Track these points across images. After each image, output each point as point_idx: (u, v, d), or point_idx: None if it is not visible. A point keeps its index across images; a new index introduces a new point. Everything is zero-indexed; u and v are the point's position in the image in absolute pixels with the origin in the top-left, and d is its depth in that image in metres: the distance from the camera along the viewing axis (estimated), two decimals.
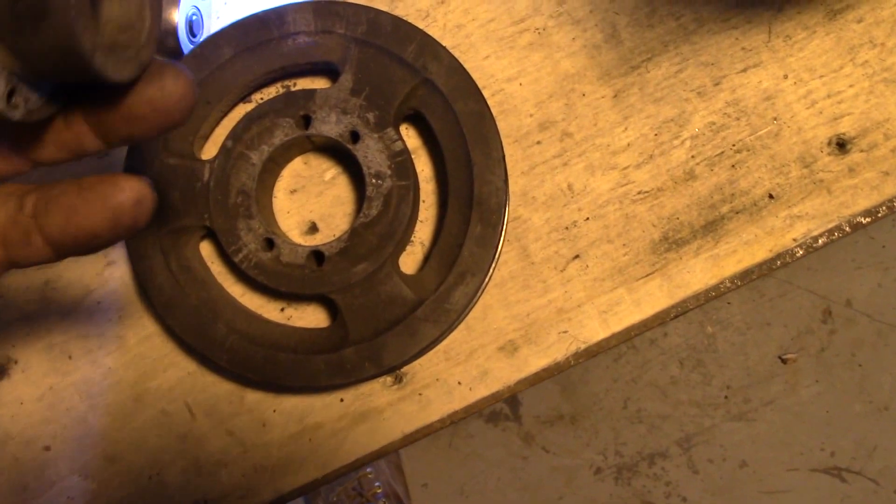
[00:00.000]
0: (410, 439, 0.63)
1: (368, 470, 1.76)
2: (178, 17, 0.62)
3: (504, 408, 1.90)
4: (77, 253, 0.38)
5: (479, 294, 0.59)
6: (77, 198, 0.36)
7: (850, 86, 0.62)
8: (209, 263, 0.64)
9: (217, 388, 0.63)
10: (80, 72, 0.34)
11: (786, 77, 0.63)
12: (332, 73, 0.64)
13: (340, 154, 0.64)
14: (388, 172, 0.60)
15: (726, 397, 1.87)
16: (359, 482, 1.76)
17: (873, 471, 1.86)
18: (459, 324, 0.61)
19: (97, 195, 0.36)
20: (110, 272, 0.64)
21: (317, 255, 0.60)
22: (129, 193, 0.36)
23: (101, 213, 0.36)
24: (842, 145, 0.62)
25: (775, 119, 0.63)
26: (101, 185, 0.36)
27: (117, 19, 0.37)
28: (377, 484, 1.75)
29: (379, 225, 0.59)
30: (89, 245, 0.37)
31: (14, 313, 0.64)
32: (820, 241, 0.62)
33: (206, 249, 0.64)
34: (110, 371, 0.63)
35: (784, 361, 1.87)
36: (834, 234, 0.62)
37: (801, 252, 0.62)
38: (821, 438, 1.86)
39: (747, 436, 1.87)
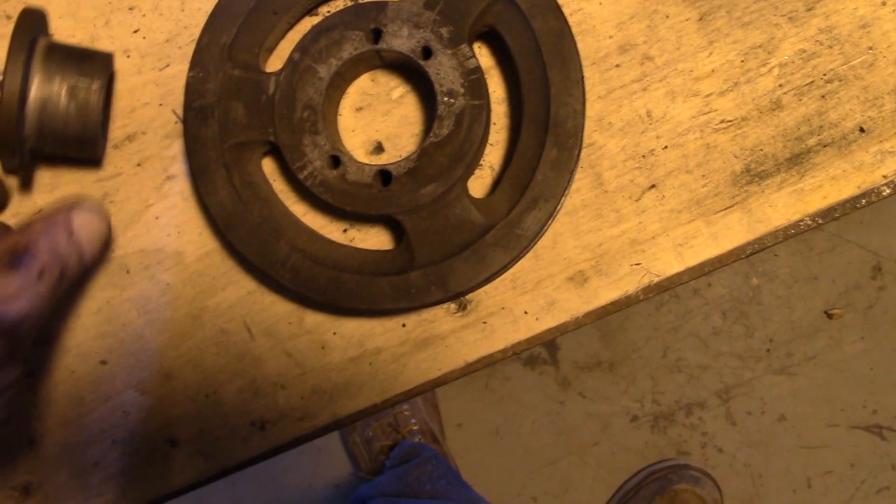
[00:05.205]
0: (472, 368, 0.61)
1: (405, 407, 1.76)
2: None
3: (542, 352, 1.89)
4: None
5: (551, 220, 0.57)
6: None
7: None
8: (271, 181, 0.62)
9: (277, 308, 0.61)
10: None
11: (884, 4, 0.59)
12: None
13: (410, 71, 0.62)
14: (461, 91, 0.57)
15: (768, 350, 1.85)
16: (395, 418, 1.76)
17: None
18: (529, 251, 0.59)
19: None
20: (169, 186, 0.63)
21: (384, 174, 0.58)
22: None
23: None
24: None
25: (870, 48, 0.59)
26: None
27: None
28: (413, 421, 1.76)
29: (449, 145, 0.57)
30: None
31: None
32: None
33: (267, 167, 0.62)
34: (168, 287, 0.62)
35: (830, 317, 1.83)
36: None
37: (887, 191, 0.59)
38: (863, 396, 1.83)
39: (788, 390, 1.84)
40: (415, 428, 1.74)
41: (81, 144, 0.58)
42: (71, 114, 0.56)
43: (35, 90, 0.55)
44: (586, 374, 1.88)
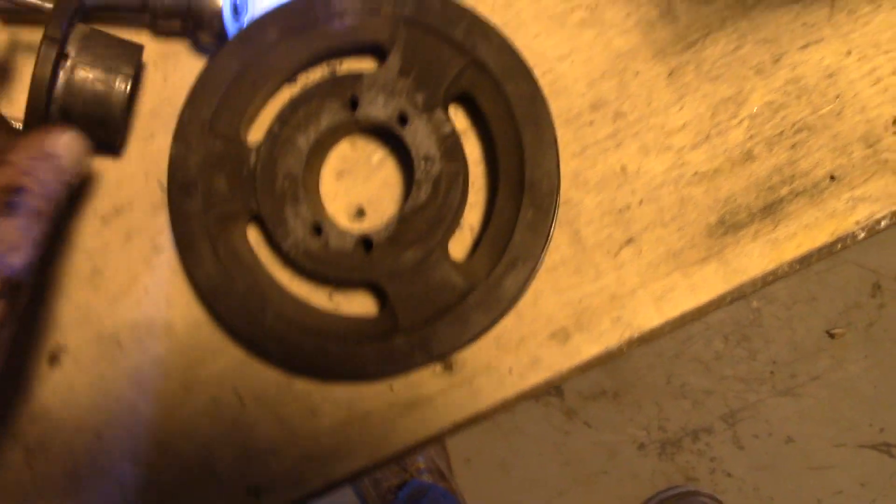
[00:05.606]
0: (461, 427, 0.62)
1: None
2: None
3: None
4: None
5: (530, 280, 0.58)
6: None
7: None
8: (256, 249, 0.63)
9: (265, 375, 0.62)
10: None
11: (849, 53, 0.60)
12: (379, 53, 0.63)
13: (388, 137, 0.63)
14: (438, 155, 0.58)
15: (772, 372, 1.85)
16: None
17: None
18: (510, 310, 0.59)
19: None
20: (157, 259, 0.64)
21: (365, 241, 0.59)
22: None
23: None
24: None
25: (837, 97, 0.60)
26: None
27: None
28: (420, 459, 1.76)
29: (428, 210, 0.58)
30: None
31: (63, 301, 0.64)
32: (883, 223, 0.60)
33: (252, 235, 0.63)
34: (160, 359, 0.63)
35: (832, 336, 1.83)
36: None
37: (862, 235, 0.60)
38: (869, 414, 1.83)
39: (794, 411, 1.84)
40: (422, 466, 1.74)
41: (102, 126, 0.60)
42: (99, 94, 0.59)
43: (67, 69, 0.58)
44: (591, 404, 1.88)
